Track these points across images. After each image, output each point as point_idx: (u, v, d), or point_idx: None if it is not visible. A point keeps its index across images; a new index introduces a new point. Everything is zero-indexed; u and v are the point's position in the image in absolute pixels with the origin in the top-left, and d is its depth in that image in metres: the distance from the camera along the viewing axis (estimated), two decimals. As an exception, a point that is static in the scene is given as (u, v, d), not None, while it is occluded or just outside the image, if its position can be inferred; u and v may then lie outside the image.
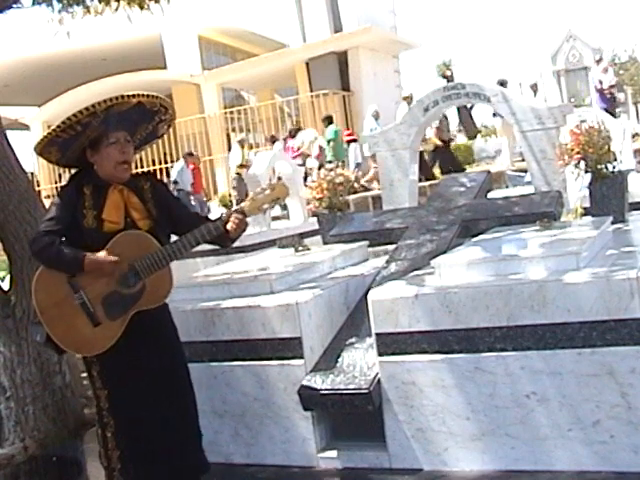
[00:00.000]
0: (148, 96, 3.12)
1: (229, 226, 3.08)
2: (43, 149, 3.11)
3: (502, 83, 12.66)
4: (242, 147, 14.45)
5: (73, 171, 3.25)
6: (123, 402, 3.09)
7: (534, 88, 15.34)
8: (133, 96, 3.06)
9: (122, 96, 3.04)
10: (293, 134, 15.06)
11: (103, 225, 3.04)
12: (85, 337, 3.01)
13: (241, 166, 13.96)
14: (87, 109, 2.96)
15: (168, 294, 3.14)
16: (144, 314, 3.03)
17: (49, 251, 2.98)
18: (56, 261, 2.99)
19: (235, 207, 3.24)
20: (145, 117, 3.21)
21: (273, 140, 15.02)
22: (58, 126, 3.00)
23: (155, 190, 3.22)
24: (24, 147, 12.84)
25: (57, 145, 3.10)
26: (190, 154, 14.94)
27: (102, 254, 2.96)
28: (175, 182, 14.19)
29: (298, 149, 14.59)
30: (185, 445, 3.16)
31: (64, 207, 3.07)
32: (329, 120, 14.59)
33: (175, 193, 14.30)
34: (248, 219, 3.17)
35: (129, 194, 3.13)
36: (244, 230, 3.16)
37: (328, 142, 14.18)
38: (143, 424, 3.09)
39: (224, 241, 3.19)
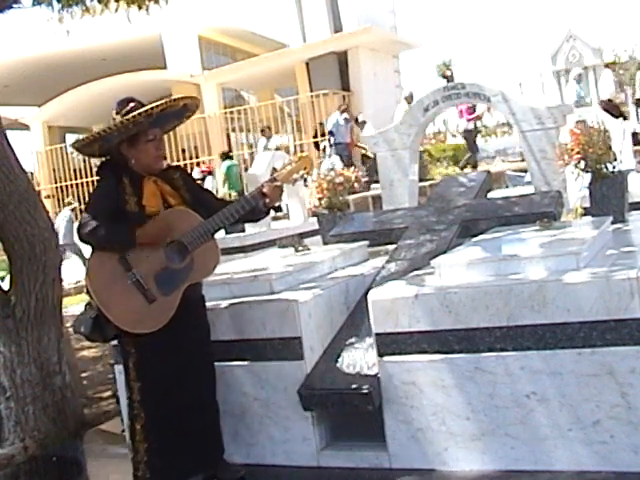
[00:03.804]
0: (191, 98, 3.40)
1: (266, 190, 3.28)
2: (86, 145, 3.30)
3: None
4: (409, 102, 14.05)
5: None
6: (155, 396, 3.21)
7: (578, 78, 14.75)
8: (182, 98, 3.33)
9: (174, 99, 3.31)
10: None
11: (145, 209, 3.21)
12: (142, 315, 3.13)
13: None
14: (146, 111, 3.17)
15: (216, 266, 3.31)
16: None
17: (99, 230, 3.10)
18: (109, 237, 3.11)
19: (269, 177, 3.49)
20: (179, 115, 3.43)
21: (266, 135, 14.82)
22: (115, 125, 3.18)
23: (184, 179, 3.43)
24: (24, 147, 12.86)
25: (102, 141, 3.27)
26: (345, 108, 14.53)
27: (150, 223, 3.14)
28: (330, 133, 13.95)
29: (473, 111, 13.84)
30: (208, 429, 3.32)
31: (106, 194, 3.24)
32: (225, 155, 14.93)
33: (328, 146, 14.10)
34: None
35: (162, 184, 3.31)
36: (280, 197, 3.39)
37: (224, 176, 14.16)
38: (173, 418, 3.21)
39: (260, 213, 3.40)
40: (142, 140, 3.25)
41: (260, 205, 3.32)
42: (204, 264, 3.22)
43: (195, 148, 18.01)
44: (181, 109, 3.37)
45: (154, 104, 3.20)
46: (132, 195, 3.22)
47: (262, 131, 15.73)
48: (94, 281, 3.14)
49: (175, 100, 3.29)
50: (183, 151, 17.82)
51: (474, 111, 13.85)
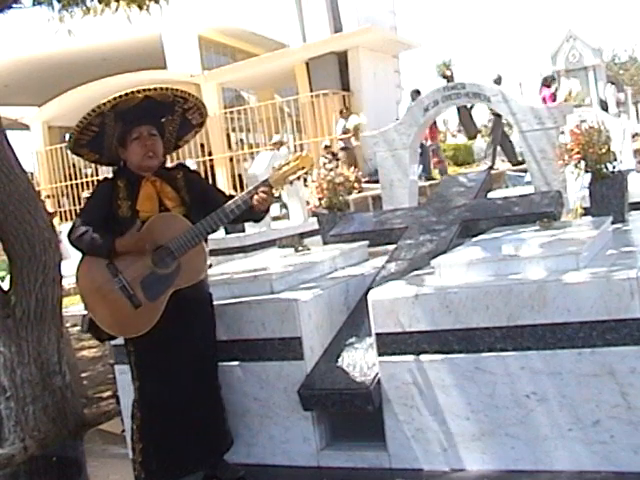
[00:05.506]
0: (155, 89, 3.21)
1: (254, 199, 3.20)
2: (75, 150, 3.32)
3: (497, 80, 12.54)
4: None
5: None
6: (152, 395, 3.21)
7: None
8: (138, 91, 3.15)
9: (127, 93, 3.13)
10: (548, 83, 14.54)
11: (138, 215, 3.19)
12: (127, 319, 3.13)
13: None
14: (94, 110, 3.10)
15: (204, 271, 3.29)
16: (181, 293, 3.15)
17: (84, 238, 3.13)
18: (90, 246, 3.14)
19: (262, 180, 3.36)
20: (164, 109, 3.31)
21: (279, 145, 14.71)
22: (75, 130, 3.16)
23: (188, 178, 3.37)
24: (24, 147, 12.85)
25: (86, 147, 3.27)
26: (417, 91, 13.50)
27: (128, 234, 3.12)
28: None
29: (554, 99, 13.66)
30: (208, 428, 3.30)
31: (98, 200, 3.25)
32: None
33: None
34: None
35: (162, 184, 3.27)
36: (272, 202, 3.29)
37: None
38: (170, 418, 3.20)
39: (255, 215, 3.33)
40: (128, 140, 3.22)
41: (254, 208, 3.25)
42: (191, 270, 3.18)
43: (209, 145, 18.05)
44: (158, 103, 3.22)
45: (104, 100, 3.09)
46: (126, 199, 3.19)
47: (340, 112, 15.28)
48: (82, 285, 3.19)
49: (131, 93, 3.12)
50: (202, 146, 17.80)
51: (555, 99, 13.78)
